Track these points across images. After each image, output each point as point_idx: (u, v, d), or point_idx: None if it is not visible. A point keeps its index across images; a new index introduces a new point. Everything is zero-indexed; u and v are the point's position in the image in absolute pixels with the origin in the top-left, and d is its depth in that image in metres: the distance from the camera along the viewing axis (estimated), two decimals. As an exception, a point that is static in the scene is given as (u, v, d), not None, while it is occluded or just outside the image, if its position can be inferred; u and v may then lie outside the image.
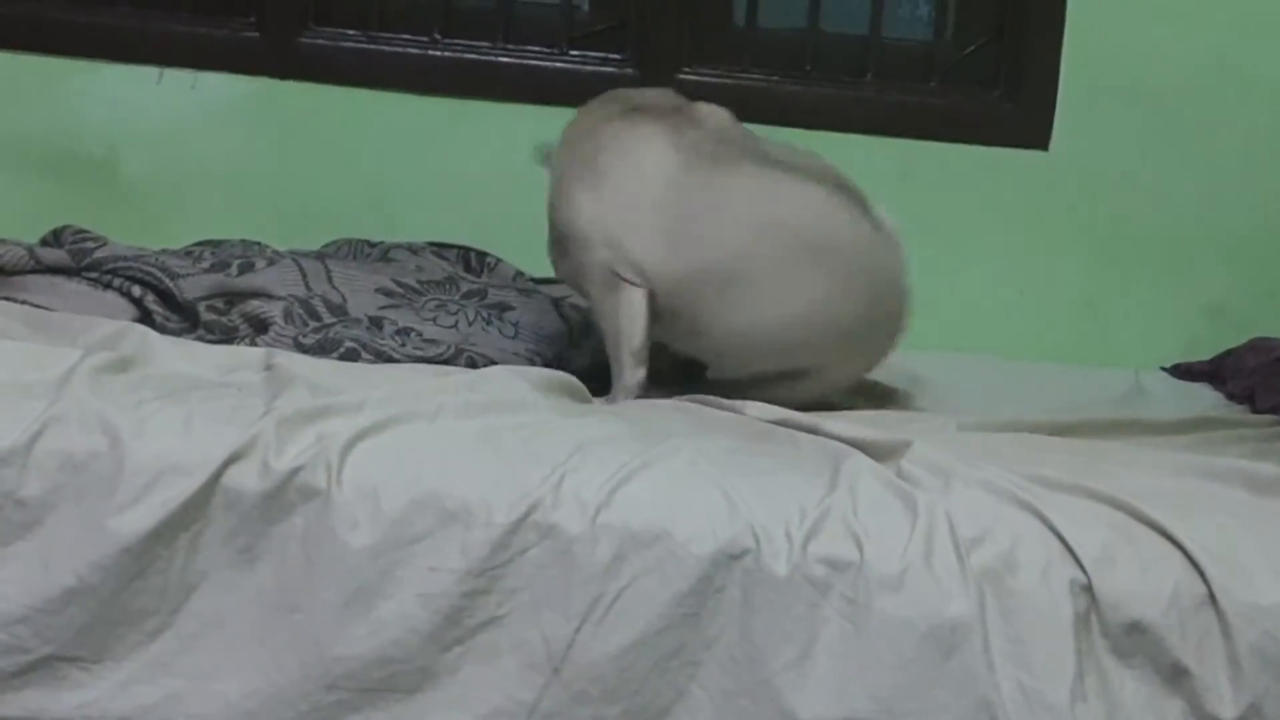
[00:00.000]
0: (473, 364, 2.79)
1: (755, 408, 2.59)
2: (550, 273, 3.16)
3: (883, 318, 2.76)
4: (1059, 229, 3.49)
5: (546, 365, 2.83)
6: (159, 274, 2.91)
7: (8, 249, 2.92)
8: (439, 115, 3.58)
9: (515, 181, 3.53)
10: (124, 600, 2.14)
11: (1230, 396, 3.18)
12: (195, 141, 3.60)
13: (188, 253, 3.14)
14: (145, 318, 2.85)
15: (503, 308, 3.09)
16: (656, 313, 2.71)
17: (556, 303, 3.17)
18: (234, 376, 2.47)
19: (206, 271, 2.99)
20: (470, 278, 3.28)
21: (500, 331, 2.99)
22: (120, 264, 2.94)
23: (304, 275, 3.01)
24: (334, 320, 2.88)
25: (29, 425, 2.18)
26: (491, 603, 2.13)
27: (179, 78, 3.58)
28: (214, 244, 3.22)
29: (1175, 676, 2.10)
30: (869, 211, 2.73)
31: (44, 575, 2.13)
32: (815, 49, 3.62)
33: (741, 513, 2.14)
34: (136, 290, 2.90)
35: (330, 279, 3.03)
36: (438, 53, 3.61)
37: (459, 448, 2.24)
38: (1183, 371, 3.40)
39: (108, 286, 2.91)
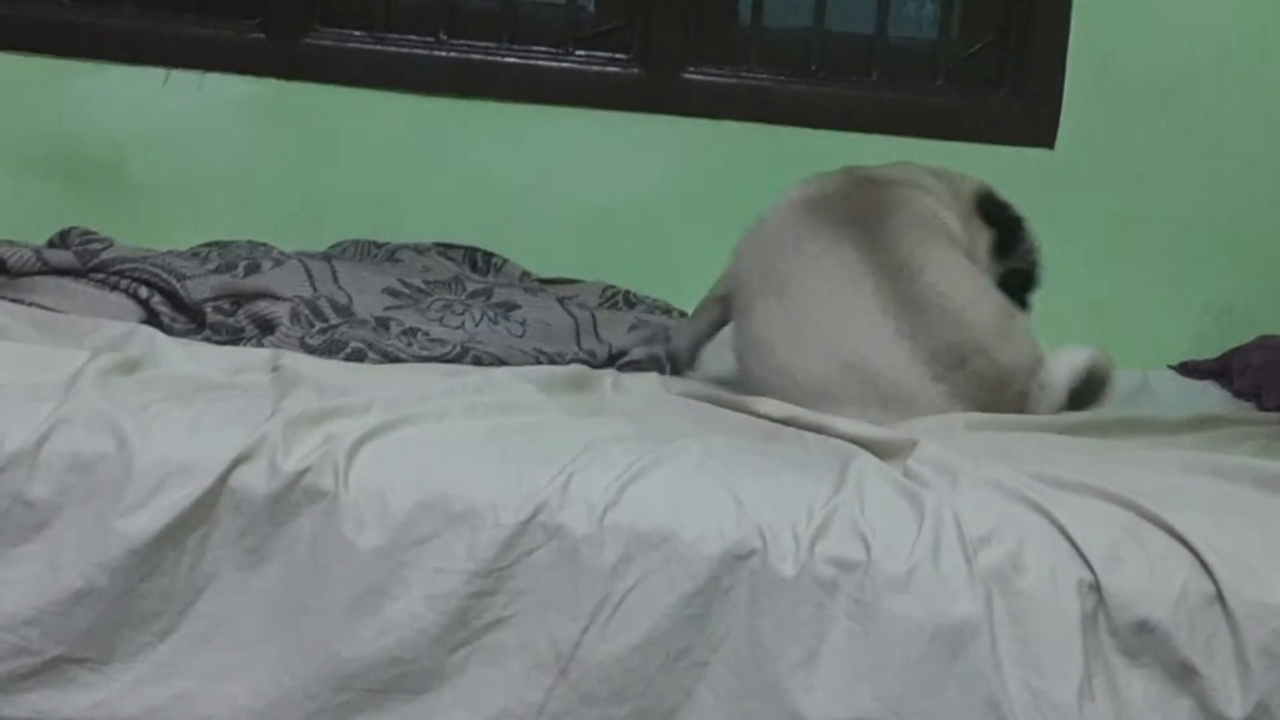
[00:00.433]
0: (479, 363, 2.79)
1: (767, 404, 2.59)
2: (556, 272, 3.17)
3: None
4: (1065, 227, 3.48)
5: (552, 364, 2.84)
6: (166, 275, 2.92)
7: (15, 250, 2.93)
8: (445, 116, 3.58)
9: (521, 181, 3.55)
10: (132, 601, 2.14)
11: (1237, 394, 3.18)
12: (201, 142, 3.60)
13: (194, 254, 3.14)
14: (152, 319, 2.85)
15: (509, 307, 3.09)
16: None
17: (562, 301, 3.17)
18: (241, 378, 2.48)
19: (213, 272, 2.99)
20: (476, 277, 3.29)
21: (507, 330, 3.00)
22: (127, 265, 2.94)
23: (310, 276, 3.02)
24: (340, 321, 2.88)
25: (37, 427, 2.18)
26: (499, 604, 2.12)
27: (185, 79, 3.58)
28: (220, 245, 3.22)
29: (1183, 675, 2.10)
30: None
31: (52, 577, 2.13)
32: (820, 48, 3.62)
33: (749, 513, 2.14)
34: (143, 291, 2.90)
35: (336, 280, 3.03)
36: (443, 53, 3.61)
37: (466, 449, 2.23)
38: (1190, 370, 3.40)
39: (114, 288, 2.91)
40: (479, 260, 3.41)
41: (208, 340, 2.81)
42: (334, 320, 2.88)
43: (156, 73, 3.58)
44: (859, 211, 2.78)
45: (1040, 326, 2.89)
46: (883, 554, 2.12)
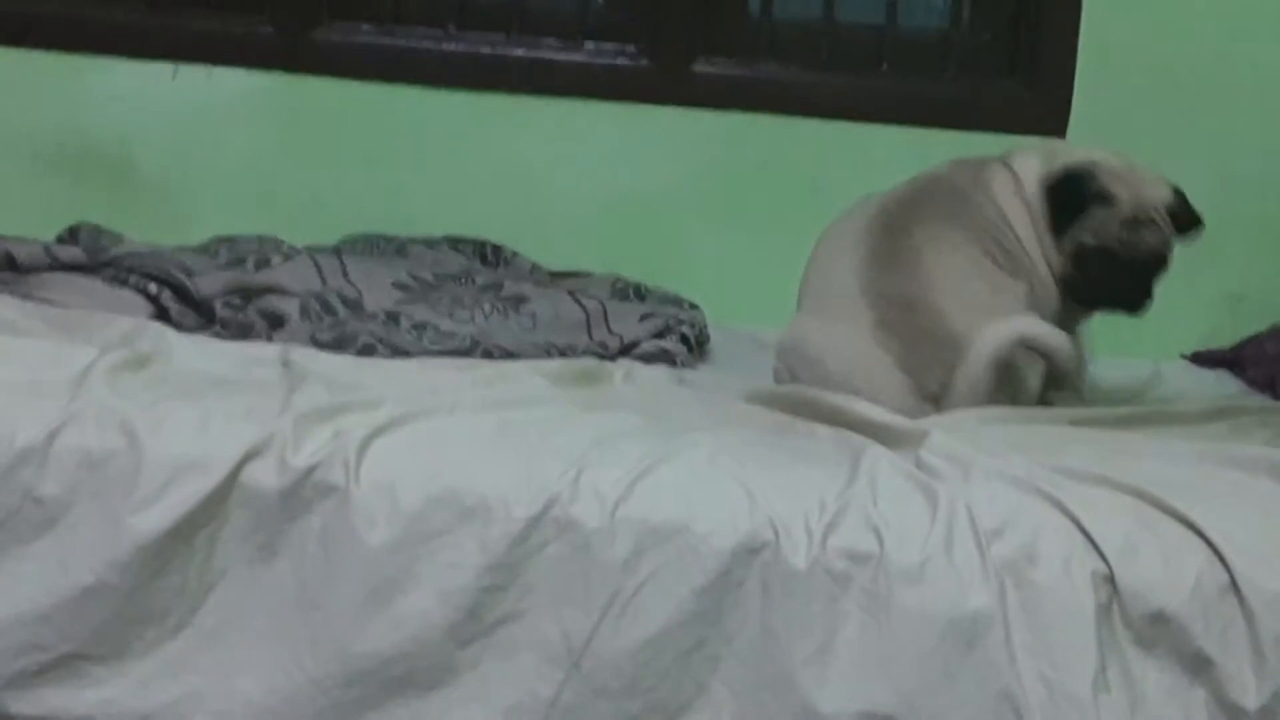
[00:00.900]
0: (489, 357, 2.79)
1: (790, 389, 2.59)
2: (566, 264, 3.16)
3: None
4: (1077, 217, 3.48)
5: (563, 356, 2.83)
6: (175, 271, 2.92)
7: (25, 247, 2.93)
8: (454, 108, 3.58)
9: (530, 174, 3.54)
10: (143, 598, 2.14)
11: (1251, 383, 3.17)
12: (210, 137, 3.60)
13: (203, 249, 3.14)
14: (161, 315, 2.85)
15: (519, 300, 3.08)
16: None
17: (573, 294, 3.17)
18: (251, 373, 2.47)
19: (222, 268, 2.99)
20: (486, 271, 3.28)
21: (518, 324, 2.99)
22: (136, 261, 2.94)
23: (320, 271, 3.01)
24: (350, 315, 2.88)
25: (47, 424, 2.18)
26: (510, 598, 2.12)
27: (193, 73, 3.57)
28: (230, 240, 3.22)
29: (1198, 666, 2.09)
30: None
31: (63, 574, 2.14)
32: (831, 39, 3.61)
33: (761, 506, 2.14)
34: (153, 287, 2.90)
35: (346, 274, 3.02)
36: (452, 46, 3.60)
37: (477, 443, 2.23)
38: (1203, 359, 3.39)
39: (124, 284, 2.91)
40: (489, 254, 3.41)
41: (217, 336, 2.80)
42: (344, 315, 2.88)
43: (165, 67, 3.57)
44: (897, 198, 2.77)
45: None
46: (896, 546, 2.11)
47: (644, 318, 3.12)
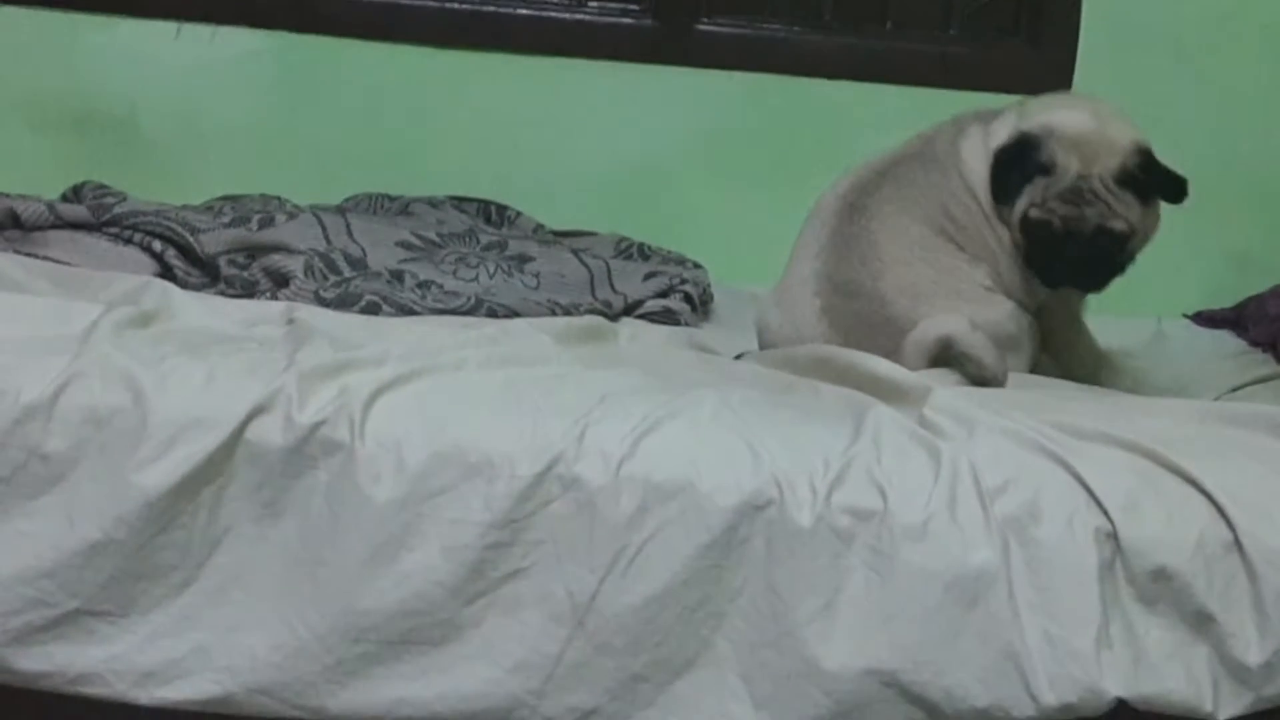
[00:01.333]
0: (494, 315, 2.79)
1: (804, 349, 2.60)
2: (569, 224, 3.15)
3: None
4: (1081, 176, 3.47)
5: (567, 315, 2.83)
6: (180, 229, 2.92)
7: (29, 204, 2.93)
8: (458, 68, 3.57)
9: (534, 134, 3.54)
10: (149, 554, 2.14)
11: (1253, 343, 3.17)
12: (213, 96, 3.59)
13: (208, 208, 3.14)
14: (166, 273, 2.85)
15: (523, 259, 3.09)
16: None
17: (577, 253, 3.17)
18: (255, 331, 2.48)
19: (227, 226, 2.99)
20: (490, 230, 3.28)
21: (522, 282, 2.99)
22: (141, 219, 2.94)
23: (324, 229, 3.01)
24: (354, 274, 2.88)
25: (52, 380, 2.18)
26: (515, 555, 2.13)
27: (197, 32, 3.56)
28: (234, 199, 3.22)
29: (1201, 623, 2.10)
30: None
31: (69, 530, 2.14)
32: (834, -2, 3.60)
33: (765, 463, 2.14)
34: (157, 245, 2.90)
35: (350, 233, 3.02)
36: (456, 5, 3.59)
37: (481, 400, 2.24)
38: (1205, 319, 3.39)
39: (128, 241, 2.91)
40: (493, 213, 3.40)
41: (222, 294, 2.80)
42: (348, 273, 2.87)
43: (168, 26, 3.56)
44: (873, 168, 2.76)
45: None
46: (899, 503, 2.12)
47: (648, 277, 3.12)
